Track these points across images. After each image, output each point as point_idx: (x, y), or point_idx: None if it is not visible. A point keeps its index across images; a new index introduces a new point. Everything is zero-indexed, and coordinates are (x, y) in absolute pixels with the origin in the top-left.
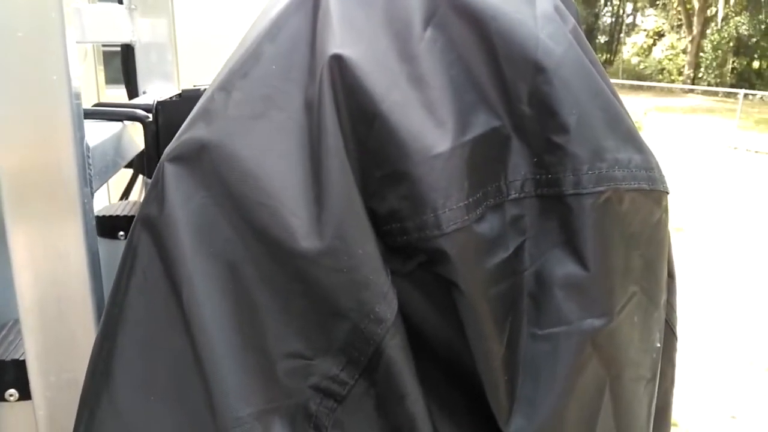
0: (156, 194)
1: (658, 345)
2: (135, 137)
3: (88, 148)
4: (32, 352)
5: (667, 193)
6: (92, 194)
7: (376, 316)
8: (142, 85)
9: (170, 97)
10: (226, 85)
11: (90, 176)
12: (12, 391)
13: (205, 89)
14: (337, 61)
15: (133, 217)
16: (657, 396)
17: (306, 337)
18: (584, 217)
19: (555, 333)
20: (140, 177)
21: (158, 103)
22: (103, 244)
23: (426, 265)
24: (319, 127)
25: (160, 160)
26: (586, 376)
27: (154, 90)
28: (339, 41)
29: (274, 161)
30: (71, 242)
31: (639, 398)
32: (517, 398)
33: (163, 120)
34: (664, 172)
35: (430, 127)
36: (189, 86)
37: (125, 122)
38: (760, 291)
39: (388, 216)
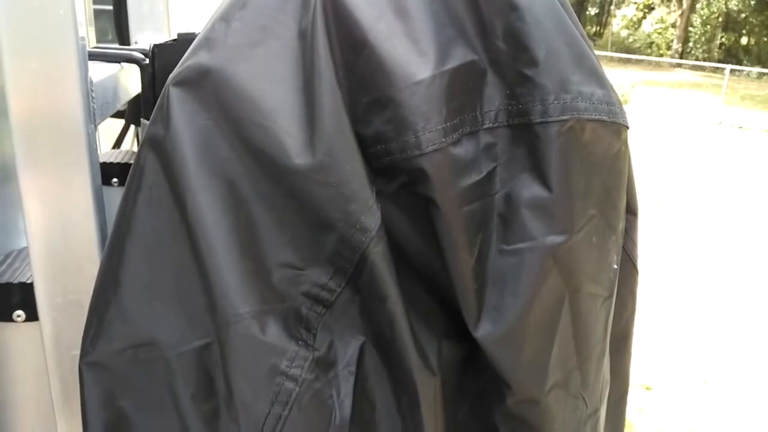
0: (162, 116)
1: (615, 267)
2: (130, 82)
3: (91, 82)
4: (39, 275)
5: (627, 127)
6: (95, 128)
7: (361, 225)
8: (133, 36)
9: (166, 42)
10: (226, 15)
11: (93, 111)
12: (19, 312)
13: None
14: None
15: (126, 164)
16: (619, 325)
17: (297, 249)
18: (549, 143)
19: (521, 248)
20: (131, 127)
21: (155, 46)
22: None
23: (407, 185)
24: (312, 54)
25: (166, 84)
26: (547, 287)
27: (146, 41)
28: None
29: (270, 86)
30: (77, 172)
31: (596, 313)
32: (485, 306)
33: (160, 63)
34: (625, 110)
35: (413, 56)
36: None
37: (122, 65)
38: (734, 261)
39: (373, 139)
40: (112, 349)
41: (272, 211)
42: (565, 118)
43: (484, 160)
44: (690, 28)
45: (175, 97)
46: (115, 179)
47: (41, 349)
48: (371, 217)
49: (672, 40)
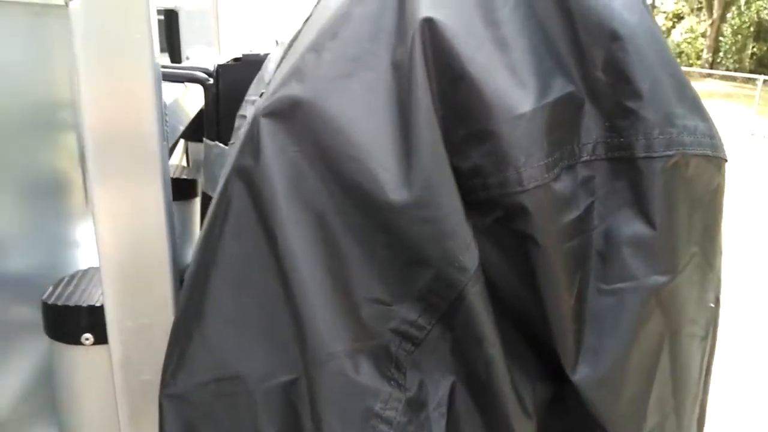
0: (251, 147)
1: (712, 305)
2: (192, 101)
3: (165, 105)
4: (110, 298)
5: (726, 160)
6: (168, 150)
7: (460, 264)
8: (185, 51)
9: (230, 61)
10: (316, 46)
11: (166, 132)
12: (88, 335)
13: (265, 55)
14: (428, 23)
15: (180, 179)
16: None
17: (386, 284)
18: (654, 179)
19: (621, 288)
20: (181, 141)
21: (219, 66)
22: None
23: (503, 221)
24: (409, 85)
25: (255, 114)
26: (648, 329)
27: (197, 56)
28: (429, 5)
29: (363, 118)
30: (150, 192)
31: (693, 354)
32: (582, 348)
33: (224, 83)
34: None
35: (513, 88)
36: (229, 52)
37: (186, 84)
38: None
39: (469, 172)
40: (194, 381)
41: (362, 245)
42: (670, 153)
43: (582, 194)
44: (720, 38)
45: (265, 128)
46: None
47: (109, 372)
48: (470, 256)
49: (702, 50)
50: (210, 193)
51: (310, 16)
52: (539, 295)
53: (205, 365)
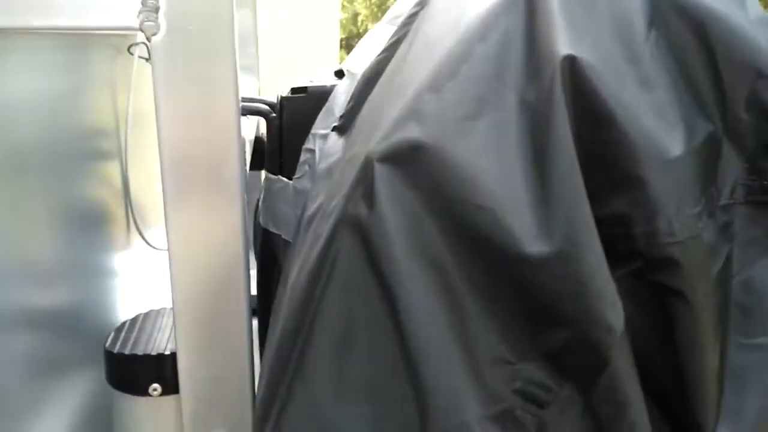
0: (364, 194)
1: None
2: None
3: (244, 141)
4: (184, 346)
5: None
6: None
7: (605, 324)
8: None
9: (294, 93)
10: (435, 85)
11: (245, 168)
12: (156, 385)
13: (331, 86)
14: (570, 61)
15: None
16: None
17: (510, 342)
18: None
19: (765, 343)
20: None
21: (283, 98)
22: None
23: (640, 273)
24: (547, 128)
25: (366, 158)
26: None
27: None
28: (567, 42)
29: (491, 163)
30: (230, 232)
31: None
32: (723, 409)
33: (287, 115)
34: None
35: (662, 131)
36: (270, 80)
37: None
38: None
39: (610, 221)
40: None
41: (485, 301)
42: None
43: (722, 241)
44: None
45: (381, 174)
46: None
47: (177, 425)
48: (616, 314)
49: None
50: (271, 228)
51: (390, 47)
52: (679, 354)
53: (309, 426)
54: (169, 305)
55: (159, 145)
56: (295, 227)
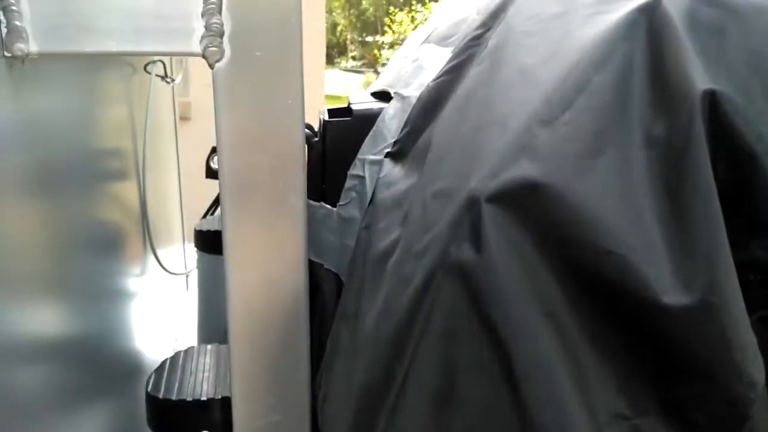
0: (469, 236)
1: None
2: None
3: (305, 166)
4: (239, 390)
5: None
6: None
7: (749, 379)
8: None
9: (338, 116)
10: (547, 117)
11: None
12: None
13: (378, 109)
14: (710, 97)
15: None
16: None
17: (629, 396)
18: None
19: None
20: None
21: (326, 122)
22: (206, 259)
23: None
24: (684, 168)
25: (470, 197)
26: None
27: None
28: (704, 74)
29: (617, 204)
30: (292, 266)
31: None
32: None
33: (331, 140)
34: None
35: None
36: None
37: None
38: None
39: (746, 266)
40: None
41: (602, 352)
42: None
43: None
44: None
45: (490, 215)
46: None
47: None
48: (758, 368)
49: None
50: (312, 257)
51: (452, 70)
52: None
53: None
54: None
55: (220, 172)
56: (347, 258)
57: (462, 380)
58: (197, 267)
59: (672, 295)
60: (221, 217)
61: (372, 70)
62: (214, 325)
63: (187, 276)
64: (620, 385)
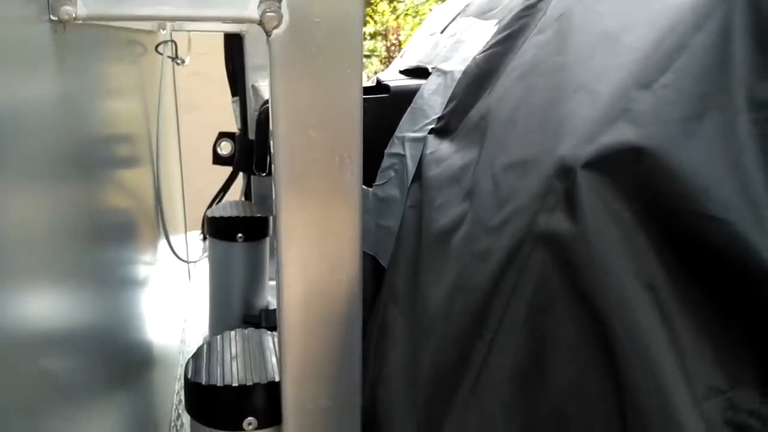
0: (564, 205)
1: None
2: None
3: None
4: (290, 373)
5: None
6: None
7: None
8: (249, 78)
9: (375, 93)
10: (645, 81)
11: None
12: (251, 419)
13: (416, 85)
14: None
15: (251, 218)
16: None
17: (725, 368)
18: None
19: None
20: (240, 175)
21: (363, 99)
22: (219, 246)
23: None
24: None
25: (563, 164)
26: None
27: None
28: None
29: (722, 169)
30: (346, 245)
31: None
32: None
33: (367, 120)
34: None
35: None
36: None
37: None
38: None
39: None
40: None
41: (700, 323)
42: None
43: None
44: None
45: (586, 182)
46: (240, 234)
47: None
48: None
49: None
50: None
51: (503, 41)
52: None
53: None
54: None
55: (274, 145)
56: (383, 239)
57: (552, 354)
58: (209, 255)
59: None
60: (274, 196)
61: None
62: (227, 311)
63: (189, 265)
64: (718, 358)
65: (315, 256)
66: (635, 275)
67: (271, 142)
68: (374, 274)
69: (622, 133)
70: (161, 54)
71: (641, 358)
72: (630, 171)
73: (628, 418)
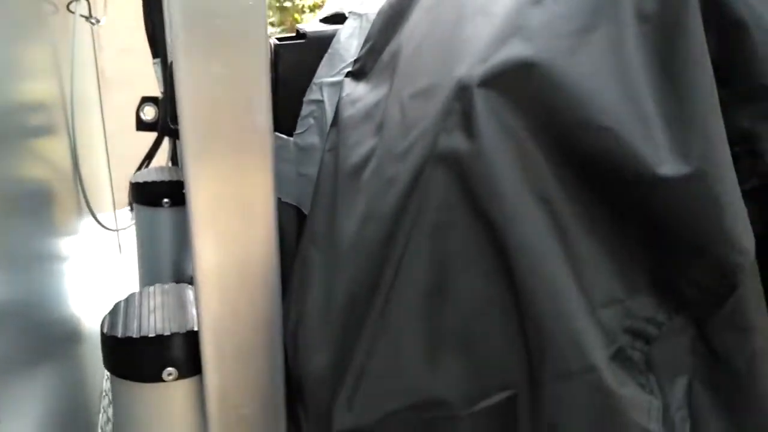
0: (462, 124)
1: None
2: None
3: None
4: (207, 321)
5: None
6: None
7: (741, 246)
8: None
9: (291, 39)
10: None
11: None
12: (171, 369)
13: (332, 31)
14: None
15: (176, 182)
16: None
17: (622, 276)
18: None
19: None
20: (165, 140)
21: (278, 45)
22: (144, 212)
23: (753, 192)
24: (678, 40)
25: (460, 84)
26: None
27: None
28: None
29: (611, 80)
30: (259, 195)
31: None
32: None
33: (284, 64)
34: None
35: None
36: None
37: None
38: None
39: (734, 137)
40: (381, 411)
41: (596, 234)
42: None
43: None
44: None
45: (482, 100)
46: (166, 199)
47: (194, 410)
48: (748, 236)
49: None
50: None
51: None
52: None
53: (395, 391)
54: (137, 285)
55: (179, 103)
56: (305, 188)
57: (455, 272)
58: (135, 222)
59: (667, 166)
60: (181, 146)
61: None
62: (156, 279)
63: (119, 237)
64: (614, 267)
65: (226, 199)
66: (530, 189)
67: (177, 99)
68: (298, 223)
69: (515, 50)
70: (73, 12)
71: (536, 270)
72: (524, 87)
73: (527, 327)
